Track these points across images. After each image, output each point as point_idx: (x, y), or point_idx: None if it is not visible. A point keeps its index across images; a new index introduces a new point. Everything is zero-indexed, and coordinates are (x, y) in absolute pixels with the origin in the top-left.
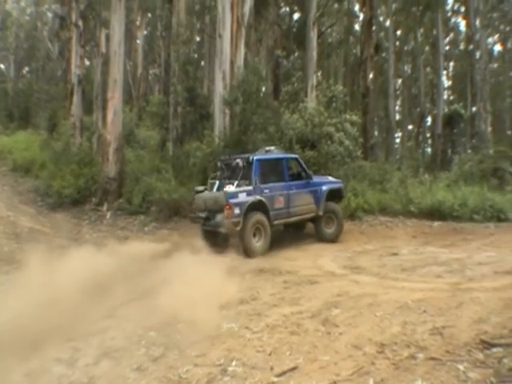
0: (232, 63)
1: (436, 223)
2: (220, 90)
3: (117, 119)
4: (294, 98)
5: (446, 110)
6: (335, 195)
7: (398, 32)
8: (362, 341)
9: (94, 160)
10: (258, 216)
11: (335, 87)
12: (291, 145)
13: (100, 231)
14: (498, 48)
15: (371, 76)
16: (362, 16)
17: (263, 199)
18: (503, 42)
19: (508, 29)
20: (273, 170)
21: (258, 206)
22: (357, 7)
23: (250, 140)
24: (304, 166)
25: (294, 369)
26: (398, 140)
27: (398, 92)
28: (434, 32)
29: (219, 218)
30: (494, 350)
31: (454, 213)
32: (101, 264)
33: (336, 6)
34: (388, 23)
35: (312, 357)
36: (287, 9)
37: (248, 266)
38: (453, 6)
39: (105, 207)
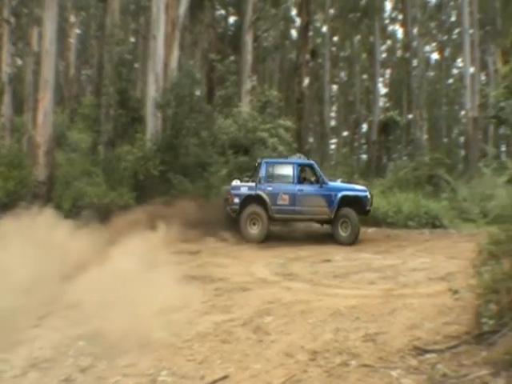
0: (165, 65)
1: (370, 229)
2: (152, 92)
3: (47, 121)
4: (228, 103)
5: (382, 116)
6: (355, 202)
7: (335, 38)
8: (294, 348)
9: (23, 162)
10: (255, 208)
11: (270, 92)
12: (224, 149)
13: None
14: (435, 56)
15: (307, 81)
16: (298, 21)
17: (263, 194)
18: (440, 50)
19: (445, 37)
20: (283, 172)
21: (256, 200)
22: (294, 12)
23: (182, 144)
24: (319, 172)
25: (224, 378)
26: (333, 146)
27: (334, 98)
28: (371, 39)
29: None
30: (428, 355)
31: (389, 219)
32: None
33: (273, 10)
34: (325, 29)
35: (243, 365)
36: (223, 12)
37: (178, 273)
38: (391, 13)
39: None
